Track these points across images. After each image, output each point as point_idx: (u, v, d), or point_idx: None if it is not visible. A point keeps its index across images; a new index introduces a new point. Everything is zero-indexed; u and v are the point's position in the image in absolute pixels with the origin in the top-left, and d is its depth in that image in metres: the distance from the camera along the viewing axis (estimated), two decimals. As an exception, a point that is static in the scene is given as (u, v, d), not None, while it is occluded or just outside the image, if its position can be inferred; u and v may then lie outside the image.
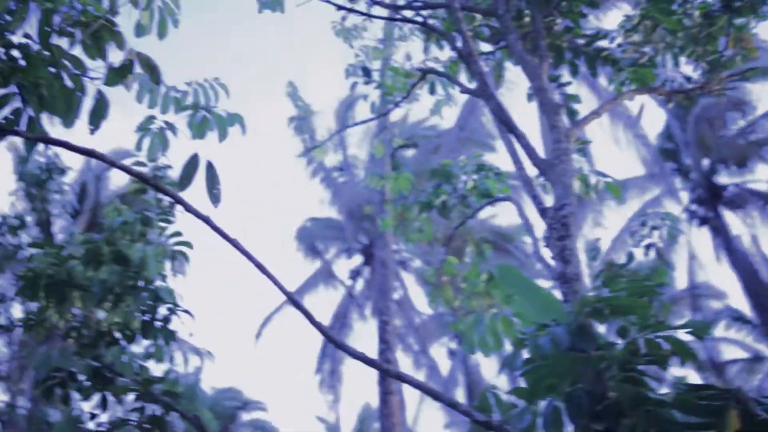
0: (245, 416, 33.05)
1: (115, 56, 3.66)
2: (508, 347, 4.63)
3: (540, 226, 5.18)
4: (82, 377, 5.44)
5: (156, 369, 5.32)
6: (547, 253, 4.88)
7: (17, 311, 14.57)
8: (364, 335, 28.67)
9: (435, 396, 3.42)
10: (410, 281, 28.90)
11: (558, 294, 4.60)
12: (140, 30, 3.83)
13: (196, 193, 4.10)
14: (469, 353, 4.88)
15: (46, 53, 3.54)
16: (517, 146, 5.53)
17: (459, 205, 7.83)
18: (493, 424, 3.39)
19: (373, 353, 15.86)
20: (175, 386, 5.13)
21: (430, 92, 8.74)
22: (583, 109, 6.98)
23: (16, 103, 3.59)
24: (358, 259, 29.37)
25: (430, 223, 8.32)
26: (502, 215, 25.56)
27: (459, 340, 26.90)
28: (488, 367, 27.49)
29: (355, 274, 29.23)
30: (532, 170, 5.61)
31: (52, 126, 3.78)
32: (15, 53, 3.51)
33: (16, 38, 3.51)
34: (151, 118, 4.19)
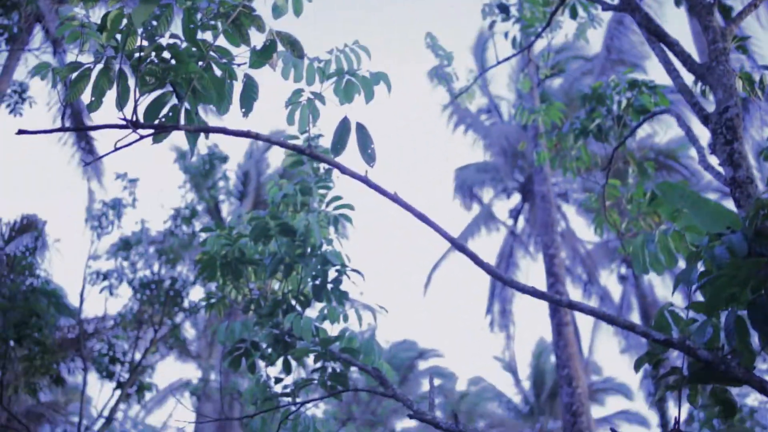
0: (423, 365, 34.00)
1: (257, 39, 3.83)
2: (681, 264, 4.50)
3: (704, 136, 4.95)
4: (264, 345, 5.72)
5: (332, 330, 5.49)
6: (714, 161, 4.67)
7: (198, 293, 15.76)
8: (531, 273, 28.58)
9: (610, 320, 3.40)
10: (571, 213, 28.37)
11: (727, 205, 4.40)
12: (277, 11, 3.98)
13: (350, 156, 4.25)
14: (642, 274, 4.77)
15: (194, 49, 3.75)
16: (671, 56, 5.26)
17: (615, 127, 7.58)
18: (673, 341, 3.32)
19: (542, 288, 15.75)
20: (352, 343, 5.31)
21: (571, 17, 8.42)
22: (737, 4, 6.50)
23: (173, 101, 3.82)
24: (516, 198, 29.14)
25: (587, 149, 8.11)
26: (662, 134, 24.38)
27: (629, 264, 26.12)
28: (662, 288, 26.62)
29: (515, 213, 29.03)
30: (688, 78, 5.33)
31: (206, 117, 4.01)
32: (165, 54, 3.73)
33: (164, 40, 3.73)
34: (299, 92, 4.36)
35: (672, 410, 24.13)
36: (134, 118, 3.66)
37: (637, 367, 3.64)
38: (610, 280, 28.71)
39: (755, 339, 3.27)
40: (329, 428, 20.98)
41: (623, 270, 27.89)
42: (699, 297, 3.48)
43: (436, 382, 33.79)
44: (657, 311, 3.69)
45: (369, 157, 3.89)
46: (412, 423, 33.81)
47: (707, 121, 4.63)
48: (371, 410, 24.99)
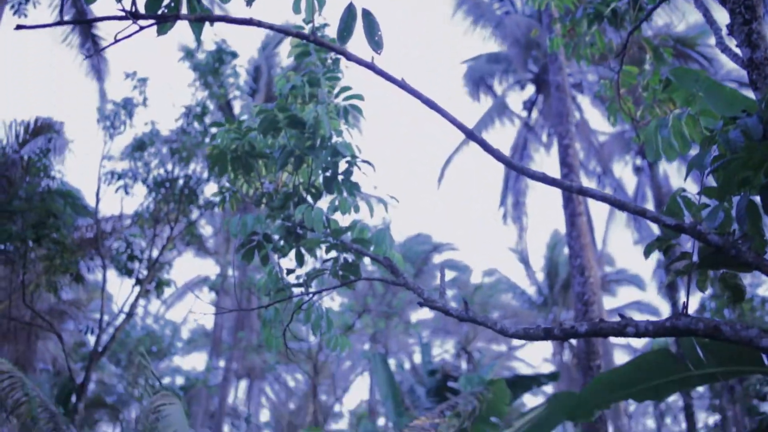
0: (437, 258, 34.45)
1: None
2: (695, 151, 4.42)
3: (723, 20, 4.75)
4: (276, 238, 5.73)
5: (344, 221, 5.49)
6: (732, 44, 4.51)
7: (213, 190, 15.80)
8: (545, 165, 28.48)
9: (620, 206, 3.37)
10: (586, 104, 28.01)
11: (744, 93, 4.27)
12: None
13: (357, 45, 4.13)
14: (654, 160, 4.70)
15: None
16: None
17: (631, 11, 7.32)
18: (683, 226, 3.29)
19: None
20: (364, 233, 5.31)
21: None
22: None
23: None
24: (530, 90, 28.70)
25: (601, 35, 7.86)
26: (679, 24, 23.70)
27: (644, 155, 25.91)
28: (678, 179, 26.53)
29: (529, 105, 28.65)
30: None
31: (211, 8, 3.86)
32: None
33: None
34: (302, -22, 4.21)
35: (683, 299, 24.49)
36: (134, 9, 3.56)
37: (647, 252, 3.63)
38: (624, 171, 28.62)
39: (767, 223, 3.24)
40: (345, 320, 21.55)
41: (638, 161, 27.73)
42: (712, 183, 3.43)
43: (451, 274, 34.33)
44: (669, 197, 3.65)
45: (376, 44, 3.78)
46: (428, 315, 34.65)
47: (725, 1, 4.44)
48: (387, 302, 25.53)
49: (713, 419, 27.85)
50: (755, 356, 4.80)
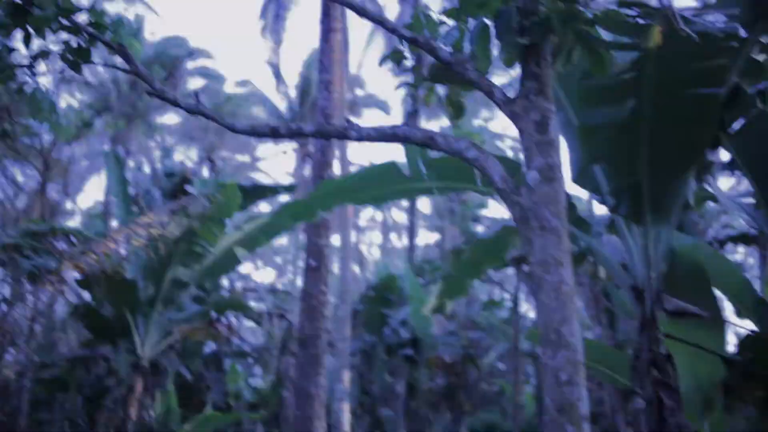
0: (191, 64, 33.00)
1: None
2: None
3: None
4: (0, 13, 5.15)
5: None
6: None
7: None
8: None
9: (361, 12, 3.39)
10: None
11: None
12: None
13: None
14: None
15: None
16: None
17: None
18: (418, 39, 3.40)
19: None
20: (100, 18, 4.93)
21: None
22: None
23: None
24: None
25: None
26: None
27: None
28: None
29: None
30: None
31: None
32: None
33: None
34: None
35: (423, 126, 26.07)
36: None
37: (381, 61, 3.73)
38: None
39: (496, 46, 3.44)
40: (83, 117, 20.22)
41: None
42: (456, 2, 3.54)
43: (202, 82, 33.19)
44: (414, 14, 3.74)
45: None
46: (174, 120, 33.54)
47: None
48: (131, 104, 24.26)
49: (434, 238, 30.98)
50: (470, 175, 5.27)
